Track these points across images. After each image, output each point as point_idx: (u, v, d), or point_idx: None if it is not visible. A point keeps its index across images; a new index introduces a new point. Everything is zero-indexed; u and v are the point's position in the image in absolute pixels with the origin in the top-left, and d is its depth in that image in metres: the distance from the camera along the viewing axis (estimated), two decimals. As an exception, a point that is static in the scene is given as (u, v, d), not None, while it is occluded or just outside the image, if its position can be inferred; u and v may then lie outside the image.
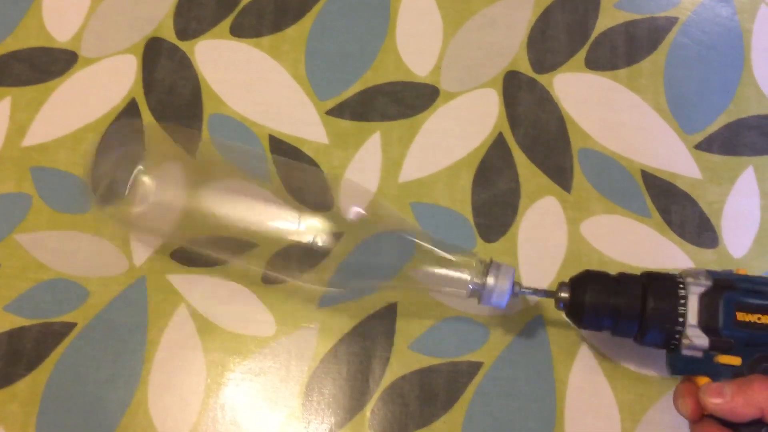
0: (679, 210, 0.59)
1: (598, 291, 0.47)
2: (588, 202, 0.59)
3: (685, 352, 0.45)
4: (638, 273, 0.48)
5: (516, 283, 0.49)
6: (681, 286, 0.45)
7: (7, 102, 0.61)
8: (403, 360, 0.54)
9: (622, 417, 0.53)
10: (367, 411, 0.53)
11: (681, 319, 0.45)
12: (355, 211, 0.53)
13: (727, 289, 0.45)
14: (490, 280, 0.48)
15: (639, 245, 0.58)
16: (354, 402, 0.54)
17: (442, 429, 0.53)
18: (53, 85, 0.62)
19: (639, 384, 0.53)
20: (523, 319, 0.55)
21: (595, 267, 0.55)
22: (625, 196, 0.59)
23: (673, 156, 0.60)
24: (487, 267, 0.49)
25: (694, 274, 0.46)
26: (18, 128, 0.60)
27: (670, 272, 0.47)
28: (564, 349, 0.54)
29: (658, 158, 0.60)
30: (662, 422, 0.53)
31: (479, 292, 0.49)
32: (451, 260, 0.50)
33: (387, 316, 0.55)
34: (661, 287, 0.46)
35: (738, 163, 0.60)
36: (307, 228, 0.57)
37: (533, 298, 0.55)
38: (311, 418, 0.53)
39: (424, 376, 0.54)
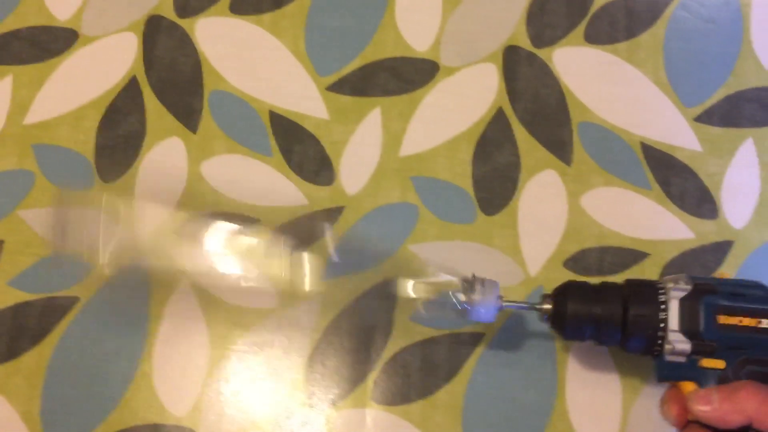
0: (679, 182, 0.59)
1: (579, 301, 0.47)
2: (588, 175, 0.59)
3: (669, 357, 0.45)
4: (619, 282, 0.48)
5: (500, 297, 0.48)
6: (661, 291, 0.45)
7: (8, 80, 0.62)
8: (405, 331, 0.55)
9: (623, 387, 0.53)
10: (370, 382, 0.54)
11: (662, 325, 0.44)
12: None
13: (707, 293, 0.44)
14: (476, 297, 0.48)
15: (639, 217, 0.58)
16: (356, 373, 0.54)
17: (444, 399, 0.53)
18: (54, 63, 0.62)
19: (640, 357, 0.53)
20: (524, 291, 0.55)
21: (595, 240, 0.56)
22: (624, 168, 0.59)
23: (672, 128, 0.60)
24: (472, 284, 0.48)
25: (675, 279, 0.46)
26: (19, 106, 0.61)
27: (651, 279, 0.47)
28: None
29: (657, 131, 0.60)
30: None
31: (467, 310, 0.48)
32: (434, 282, 0.51)
33: (388, 288, 0.56)
34: (641, 294, 0.46)
35: (737, 135, 0.60)
36: (309, 203, 0.58)
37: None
38: (314, 389, 0.54)
39: (425, 347, 0.54)
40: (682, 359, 0.44)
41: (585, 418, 0.53)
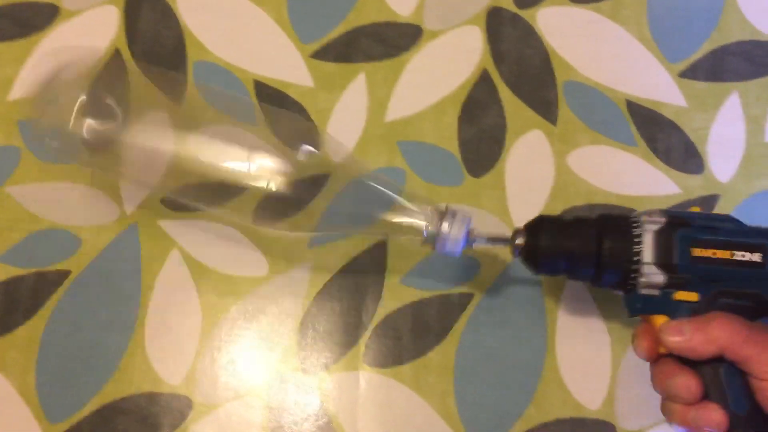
0: (665, 138, 0.59)
1: (552, 235, 0.46)
2: (574, 134, 0.59)
3: (643, 291, 0.44)
4: (593, 216, 0.47)
5: (471, 231, 0.48)
6: (635, 225, 0.45)
7: (-9, 58, 0.61)
8: (395, 294, 0.55)
9: (612, 341, 0.54)
10: (362, 345, 0.54)
11: (636, 258, 0.44)
12: (305, 149, 0.53)
13: (682, 226, 0.44)
14: (444, 228, 0.47)
15: (626, 174, 0.58)
16: (348, 337, 0.54)
17: (435, 359, 0.54)
18: (36, 38, 0.62)
19: (628, 308, 0.54)
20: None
21: (583, 198, 0.56)
22: (610, 126, 0.59)
23: (657, 85, 0.60)
24: (443, 214, 0.48)
25: (648, 213, 0.45)
26: (3, 83, 0.61)
27: (623, 214, 0.47)
28: (554, 277, 0.55)
29: (642, 87, 0.60)
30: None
31: (433, 240, 0.48)
32: (405, 207, 0.49)
33: (378, 251, 0.56)
34: (615, 227, 0.45)
35: (722, 90, 0.60)
36: (295, 169, 0.58)
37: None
38: (306, 354, 0.54)
39: (416, 309, 0.55)
40: (655, 292, 0.44)
41: (576, 374, 0.53)
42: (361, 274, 0.56)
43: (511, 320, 0.54)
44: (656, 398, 0.51)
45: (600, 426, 0.52)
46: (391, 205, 0.49)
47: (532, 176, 0.58)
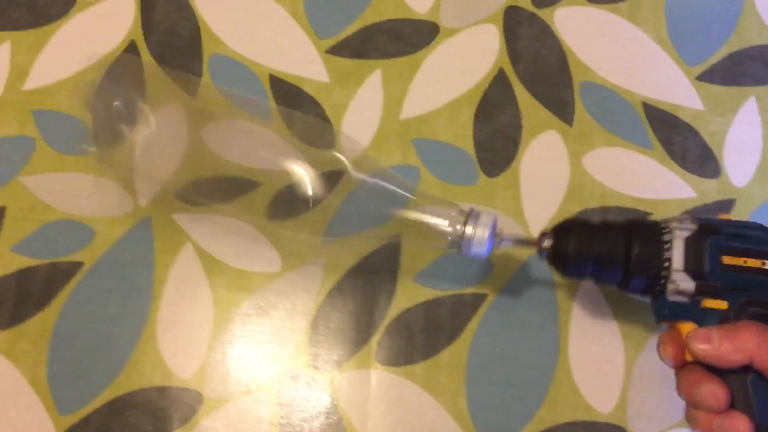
0: (681, 141, 0.59)
1: (580, 239, 0.46)
2: (590, 135, 0.59)
3: (672, 297, 0.44)
4: (621, 221, 0.47)
5: (497, 233, 0.48)
6: (665, 231, 0.44)
7: (6, 46, 0.61)
8: (408, 293, 0.55)
9: (625, 344, 0.54)
10: (374, 343, 0.54)
11: (666, 264, 0.44)
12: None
13: (712, 234, 0.44)
14: (469, 230, 0.47)
15: (641, 177, 0.58)
16: (360, 335, 0.54)
17: (447, 360, 0.54)
18: (52, 28, 0.62)
19: (642, 311, 0.54)
20: (527, 251, 0.56)
21: (597, 200, 0.56)
22: (626, 128, 0.59)
23: (674, 87, 0.60)
24: (467, 216, 0.47)
25: (679, 219, 0.45)
26: (19, 72, 0.60)
27: (653, 219, 0.46)
28: (569, 279, 0.55)
29: (659, 90, 0.60)
30: (665, 349, 0.53)
31: (459, 243, 0.47)
32: (427, 210, 0.49)
33: (391, 249, 0.56)
34: (645, 233, 0.45)
35: (740, 94, 0.60)
36: (310, 165, 0.58)
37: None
38: (318, 351, 0.54)
39: (429, 308, 0.55)
40: (684, 299, 0.44)
41: (588, 375, 0.53)
42: (375, 272, 0.55)
43: (524, 321, 0.54)
44: (669, 403, 0.51)
45: (611, 430, 0.52)
46: (409, 208, 0.49)
47: (547, 177, 0.58)
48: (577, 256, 0.46)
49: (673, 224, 0.45)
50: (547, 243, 0.47)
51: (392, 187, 0.51)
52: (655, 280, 0.44)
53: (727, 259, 0.43)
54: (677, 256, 0.44)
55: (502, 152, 0.58)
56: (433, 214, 0.48)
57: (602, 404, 0.53)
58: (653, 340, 0.54)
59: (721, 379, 0.42)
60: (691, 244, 0.44)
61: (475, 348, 0.54)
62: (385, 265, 0.56)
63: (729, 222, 0.45)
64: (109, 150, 0.56)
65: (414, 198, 0.50)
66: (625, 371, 0.53)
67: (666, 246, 0.44)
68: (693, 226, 0.44)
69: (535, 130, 0.59)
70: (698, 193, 0.57)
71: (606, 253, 0.45)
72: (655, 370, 0.53)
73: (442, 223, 0.48)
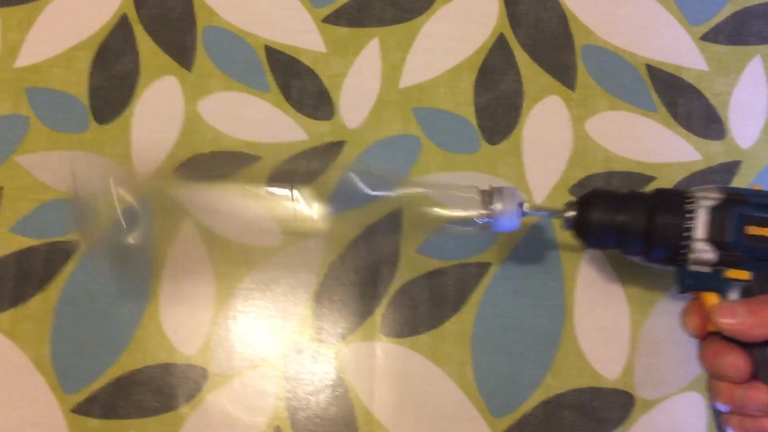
0: (686, 103, 0.58)
1: (604, 209, 0.46)
2: (593, 99, 0.58)
3: (693, 267, 0.44)
4: (648, 192, 0.47)
5: (521, 204, 0.47)
6: (689, 201, 0.44)
7: (-4, 23, 0.60)
8: (412, 264, 0.54)
9: (631, 310, 0.53)
10: (378, 315, 0.54)
11: (687, 234, 0.43)
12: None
13: (737, 203, 0.43)
14: (498, 207, 0.47)
15: (645, 140, 0.57)
16: (364, 307, 0.54)
17: (453, 329, 0.53)
18: (42, 4, 0.60)
19: (647, 276, 0.53)
20: (530, 219, 0.55)
21: (601, 165, 0.55)
22: (630, 91, 0.58)
23: (678, 48, 0.59)
24: (491, 195, 0.47)
25: (705, 189, 0.44)
26: (10, 49, 0.59)
27: (681, 189, 0.46)
28: (571, 245, 0.54)
29: (663, 51, 0.59)
30: (671, 313, 0.53)
31: (490, 222, 0.47)
32: (454, 202, 0.49)
33: (393, 221, 0.55)
34: (668, 202, 0.45)
35: (745, 53, 0.59)
36: (310, 138, 0.57)
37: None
38: (323, 324, 0.54)
39: (432, 278, 0.54)
40: (706, 269, 0.44)
41: (594, 341, 0.53)
42: (377, 244, 0.55)
43: (528, 289, 0.54)
44: (676, 367, 0.51)
45: (618, 395, 0.52)
46: (433, 204, 0.49)
47: (550, 143, 0.57)
48: (599, 226, 0.46)
49: (699, 194, 0.44)
50: (570, 213, 0.47)
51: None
52: (675, 249, 0.44)
53: (751, 230, 0.43)
54: (700, 225, 0.43)
55: (503, 119, 0.58)
56: (459, 206, 0.48)
57: (609, 370, 0.52)
58: (659, 306, 0.53)
59: (743, 349, 0.42)
60: (714, 213, 0.43)
61: (480, 317, 0.54)
62: (387, 236, 0.55)
63: (759, 192, 0.44)
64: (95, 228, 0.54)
65: (429, 191, 0.50)
66: (631, 337, 0.53)
67: (688, 215, 0.44)
68: (719, 196, 0.44)
69: (537, 95, 0.58)
70: (703, 156, 0.56)
71: (628, 223, 0.45)
72: (662, 335, 0.52)
73: (472, 213, 0.48)
